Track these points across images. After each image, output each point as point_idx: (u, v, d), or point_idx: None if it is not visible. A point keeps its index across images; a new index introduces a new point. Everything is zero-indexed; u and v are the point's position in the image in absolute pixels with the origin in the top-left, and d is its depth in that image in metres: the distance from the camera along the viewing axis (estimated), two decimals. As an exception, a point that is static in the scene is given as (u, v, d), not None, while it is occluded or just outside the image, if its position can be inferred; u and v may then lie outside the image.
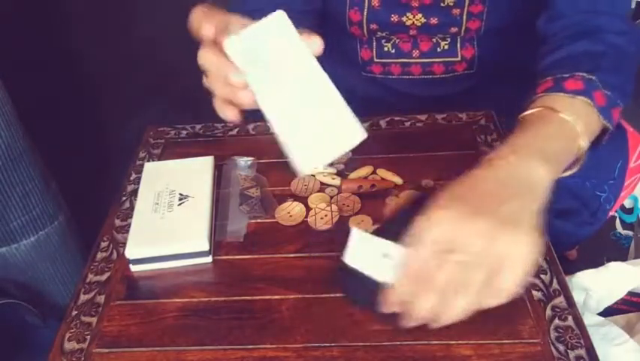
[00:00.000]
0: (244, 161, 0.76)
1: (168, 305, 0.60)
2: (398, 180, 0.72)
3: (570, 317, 0.55)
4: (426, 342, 0.54)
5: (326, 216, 0.68)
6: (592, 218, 0.86)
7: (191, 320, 0.58)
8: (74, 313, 0.60)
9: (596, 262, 0.84)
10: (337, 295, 0.59)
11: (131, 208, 0.71)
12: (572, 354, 0.52)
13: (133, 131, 0.88)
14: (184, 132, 0.85)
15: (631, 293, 0.87)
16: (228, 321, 0.58)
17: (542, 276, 0.60)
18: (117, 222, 0.71)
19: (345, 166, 0.75)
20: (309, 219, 0.68)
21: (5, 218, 0.97)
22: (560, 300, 0.57)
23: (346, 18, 0.85)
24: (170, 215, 0.67)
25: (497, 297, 0.49)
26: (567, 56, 0.65)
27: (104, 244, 0.68)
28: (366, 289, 0.53)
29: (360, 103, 0.93)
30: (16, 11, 1.44)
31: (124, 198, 0.74)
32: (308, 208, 0.69)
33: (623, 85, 0.64)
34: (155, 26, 1.49)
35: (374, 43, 0.88)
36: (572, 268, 0.84)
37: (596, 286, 0.84)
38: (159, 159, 0.80)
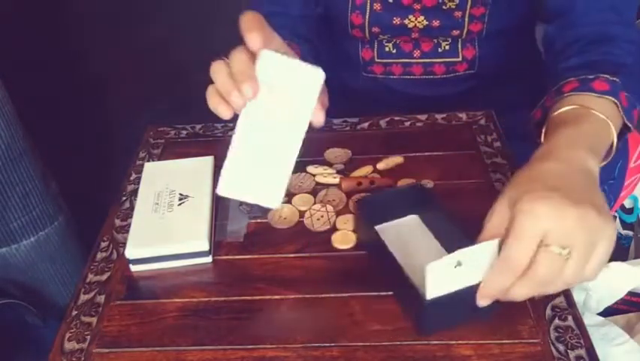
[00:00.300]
0: (244, 161, 0.76)
1: (168, 305, 0.60)
2: (399, 159, 0.75)
3: (570, 317, 0.55)
4: (426, 342, 0.54)
5: (322, 217, 0.68)
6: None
7: (191, 320, 0.58)
8: (74, 313, 0.60)
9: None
10: (337, 295, 0.59)
11: (131, 208, 0.71)
12: (572, 354, 0.52)
13: (134, 131, 0.88)
14: (184, 132, 0.85)
15: (631, 293, 0.87)
16: (228, 321, 0.58)
17: (542, 276, 0.60)
18: (117, 222, 0.71)
19: (345, 166, 0.75)
20: (305, 221, 0.68)
21: (5, 218, 0.97)
22: (559, 300, 0.57)
23: (348, 21, 0.85)
24: (170, 215, 0.66)
25: (579, 282, 0.50)
26: (589, 60, 0.65)
27: (104, 244, 0.68)
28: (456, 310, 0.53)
29: (361, 103, 0.93)
30: (16, 11, 1.44)
31: (124, 198, 0.74)
32: (299, 210, 0.69)
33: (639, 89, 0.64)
34: (159, 27, 1.50)
35: (375, 44, 0.88)
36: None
37: (596, 286, 0.84)
38: (159, 159, 0.80)
